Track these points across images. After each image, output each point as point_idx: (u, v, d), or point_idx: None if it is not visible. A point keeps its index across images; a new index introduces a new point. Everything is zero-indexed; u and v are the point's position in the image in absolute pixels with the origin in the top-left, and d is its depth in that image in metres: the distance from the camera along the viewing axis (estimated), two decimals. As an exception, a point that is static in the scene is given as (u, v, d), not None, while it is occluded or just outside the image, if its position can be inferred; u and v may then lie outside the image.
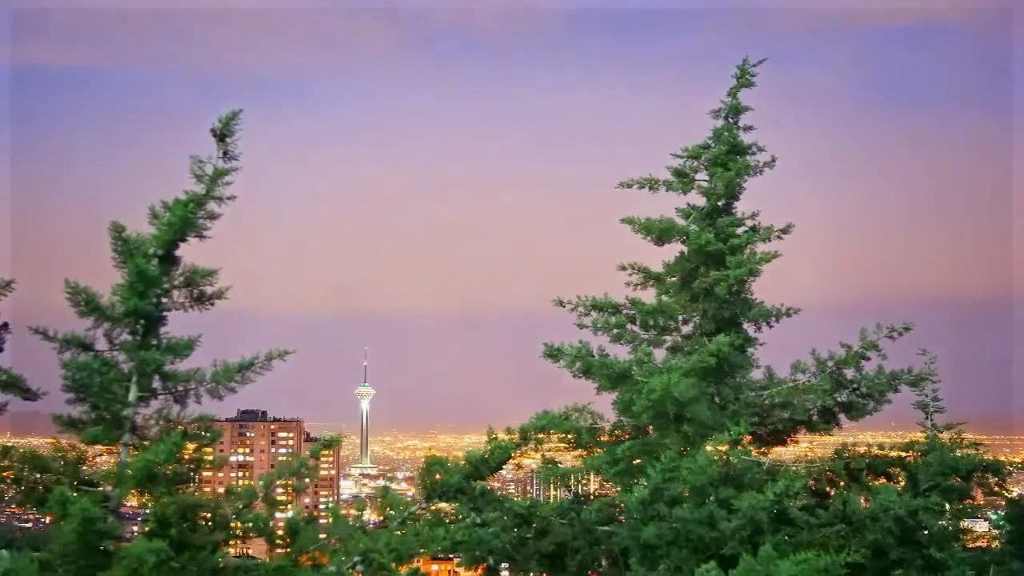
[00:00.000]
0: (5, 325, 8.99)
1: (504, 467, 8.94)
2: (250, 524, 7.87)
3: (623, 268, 13.46)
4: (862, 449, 13.75)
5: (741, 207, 13.55)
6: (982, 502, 14.50)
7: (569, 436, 13.09)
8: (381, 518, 8.45)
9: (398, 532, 8.11)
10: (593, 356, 12.53)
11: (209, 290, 8.37)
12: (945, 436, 14.08)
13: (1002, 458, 14.59)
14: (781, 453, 13.40)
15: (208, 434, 8.24)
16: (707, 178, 13.52)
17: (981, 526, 16.57)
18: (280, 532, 8.02)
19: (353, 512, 8.67)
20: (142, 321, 8.08)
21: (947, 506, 13.36)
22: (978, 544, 15.60)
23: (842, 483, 13.11)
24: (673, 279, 13.44)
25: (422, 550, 8.09)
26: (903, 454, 13.55)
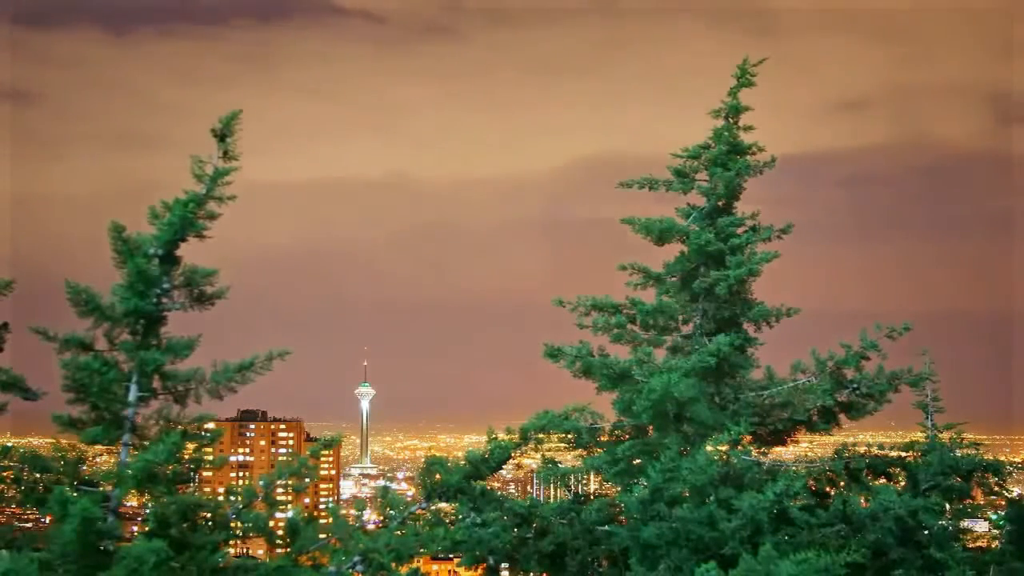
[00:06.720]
0: (5, 325, 8.98)
1: (504, 467, 8.93)
2: (250, 524, 7.87)
3: (623, 268, 13.48)
4: (862, 449, 13.73)
5: (741, 207, 13.58)
6: (982, 502, 14.47)
7: (569, 436, 13.11)
8: (381, 518, 8.45)
9: (398, 532, 8.10)
10: (593, 356, 12.55)
11: (209, 290, 8.36)
12: (945, 436, 14.07)
13: (1002, 458, 14.57)
14: (781, 453, 13.40)
15: (208, 434, 8.24)
16: (707, 178, 13.54)
17: (981, 526, 16.53)
18: (280, 532, 8.02)
19: (353, 512, 8.67)
20: (142, 321, 8.08)
21: (947, 506, 13.35)
22: (978, 544, 15.57)
23: (842, 483, 13.12)
24: (673, 279, 13.46)
25: (422, 550, 8.09)
26: (903, 454, 13.56)
